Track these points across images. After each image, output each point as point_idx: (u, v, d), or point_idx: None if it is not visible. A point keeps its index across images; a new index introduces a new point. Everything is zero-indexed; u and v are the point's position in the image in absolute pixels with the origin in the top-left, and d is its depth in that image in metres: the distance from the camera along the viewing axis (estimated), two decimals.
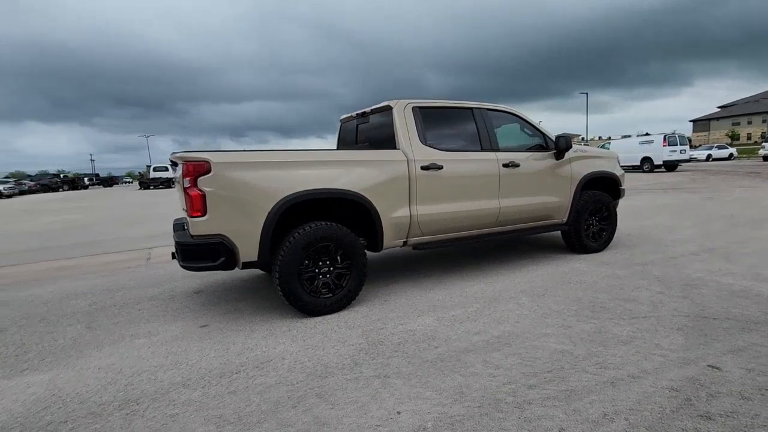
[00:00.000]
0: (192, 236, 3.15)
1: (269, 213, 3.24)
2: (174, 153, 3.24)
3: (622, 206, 8.74)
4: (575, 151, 5.01)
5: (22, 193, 35.94)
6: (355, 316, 3.51)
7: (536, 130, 4.81)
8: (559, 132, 5.13)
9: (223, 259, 3.18)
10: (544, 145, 4.80)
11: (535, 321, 3.21)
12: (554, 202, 4.80)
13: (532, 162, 4.63)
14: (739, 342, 2.69)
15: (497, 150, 4.42)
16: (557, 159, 4.80)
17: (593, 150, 5.38)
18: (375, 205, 3.67)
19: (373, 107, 4.33)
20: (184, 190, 3.15)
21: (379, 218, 3.71)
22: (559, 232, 5.24)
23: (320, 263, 3.53)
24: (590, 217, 5.16)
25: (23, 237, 9.45)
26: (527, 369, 2.50)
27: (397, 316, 3.45)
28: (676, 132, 22.70)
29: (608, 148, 16.91)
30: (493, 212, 4.37)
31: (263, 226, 3.24)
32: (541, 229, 4.87)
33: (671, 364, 2.47)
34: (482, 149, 4.34)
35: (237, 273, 5.04)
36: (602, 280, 4.13)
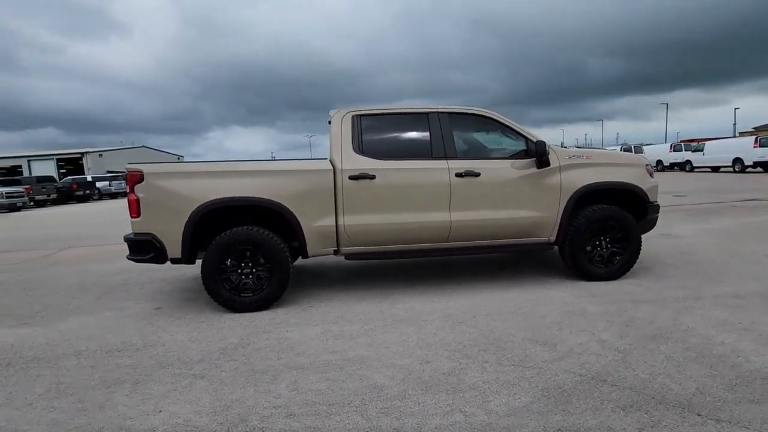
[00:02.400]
0: (133, 234, 3.81)
1: (189, 217, 3.69)
2: (127, 164, 3.94)
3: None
4: (570, 157, 4.18)
5: None
6: (263, 316, 3.73)
7: (518, 135, 4.19)
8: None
9: (153, 254, 3.76)
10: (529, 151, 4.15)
11: (403, 349, 2.95)
12: (533, 218, 4.12)
13: (500, 171, 4.07)
14: None
15: (452, 157, 4.03)
16: (539, 167, 4.09)
17: (603, 155, 4.39)
18: (294, 213, 3.80)
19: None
20: (127, 195, 3.82)
21: (300, 226, 3.82)
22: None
23: (242, 265, 3.84)
24: (596, 237, 4.25)
25: None
26: (319, 397, 2.39)
27: (295, 323, 3.55)
28: None
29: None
30: (442, 226, 4.01)
31: (184, 228, 3.70)
32: (518, 247, 4.26)
33: (460, 427, 2.06)
34: (432, 157, 4.02)
35: None
36: (558, 315, 3.45)
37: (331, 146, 3.96)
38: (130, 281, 5.22)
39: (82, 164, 45.12)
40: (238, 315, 3.80)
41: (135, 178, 3.70)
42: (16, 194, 20.80)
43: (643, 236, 5.87)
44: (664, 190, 14.17)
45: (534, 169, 4.09)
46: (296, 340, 3.21)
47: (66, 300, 4.55)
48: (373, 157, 3.95)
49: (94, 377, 2.76)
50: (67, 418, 2.30)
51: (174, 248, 3.75)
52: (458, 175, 3.97)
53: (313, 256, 4.03)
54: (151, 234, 3.74)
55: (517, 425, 2.05)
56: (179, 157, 58.45)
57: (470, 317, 3.50)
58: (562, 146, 4.69)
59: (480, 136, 4.32)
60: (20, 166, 46.00)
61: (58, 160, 45.78)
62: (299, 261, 5.31)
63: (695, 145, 25.45)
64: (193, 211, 3.69)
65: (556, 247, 4.35)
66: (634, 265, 4.59)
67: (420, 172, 3.97)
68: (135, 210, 3.72)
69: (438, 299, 3.99)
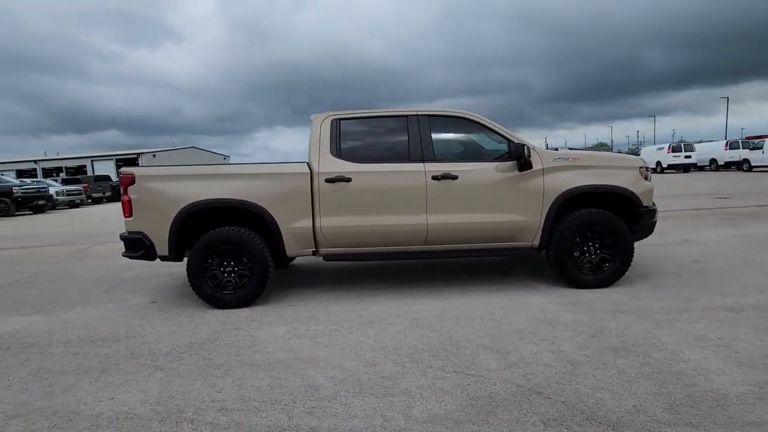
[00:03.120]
0: (126, 232, 4.09)
1: (174, 217, 3.91)
2: (121, 168, 4.23)
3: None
4: (556, 159, 4.03)
5: None
6: (241, 313, 3.89)
7: (501, 138, 4.09)
8: None
9: (143, 251, 4.02)
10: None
11: (356, 351, 2.99)
12: (514, 222, 4.02)
13: (479, 173, 3.99)
14: None
15: (430, 160, 4.00)
16: (520, 170, 3.98)
17: (592, 157, 4.19)
18: (272, 215, 3.93)
19: None
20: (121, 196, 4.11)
21: (278, 227, 3.95)
22: None
23: (225, 263, 4.02)
24: (584, 243, 4.07)
25: None
26: (256, 394, 2.48)
27: (268, 321, 3.68)
28: None
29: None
30: (419, 229, 4.00)
31: (170, 228, 3.93)
32: (499, 251, 4.17)
33: (374, 430, 2.08)
34: (410, 160, 4.02)
35: None
36: (527, 323, 3.35)
37: (310, 149, 4.06)
38: (140, 276, 5.59)
39: (138, 164, 48.37)
40: (219, 311, 3.99)
41: (128, 181, 3.98)
42: (74, 192, 22.66)
43: (658, 242, 5.60)
44: (706, 192, 13.21)
45: (516, 172, 3.98)
46: (261, 337, 3.34)
47: (79, 292, 4.96)
48: (351, 160, 4.01)
49: (72, 364, 3.01)
50: (33, 400, 2.53)
51: (162, 246, 3.99)
52: (435, 177, 3.95)
53: (292, 256, 4.15)
54: (142, 233, 4.00)
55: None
56: (225, 157, 61.10)
57: (437, 321, 3.48)
58: (550, 148, 4.53)
59: (461, 139, 4.27)
60: (85, 166, 50.03)
61: (117, 160, 49.22)
62: (297, 260, 5.48)
63: (754, 142, 23.40)
64: (178, 212, 3.91)
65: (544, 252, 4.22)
66: (633, 273, 4.38)
67: (395, 175, 3.98)
68: (128, 210, 4.00)
69: (415, 302, 3.99)
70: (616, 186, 3.99)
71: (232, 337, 3.36)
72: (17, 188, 19.12)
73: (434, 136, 4.09)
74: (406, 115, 4.12)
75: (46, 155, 56.16)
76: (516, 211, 4.01)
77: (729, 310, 3.42)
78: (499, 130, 4.10)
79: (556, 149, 5.22)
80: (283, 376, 2.69)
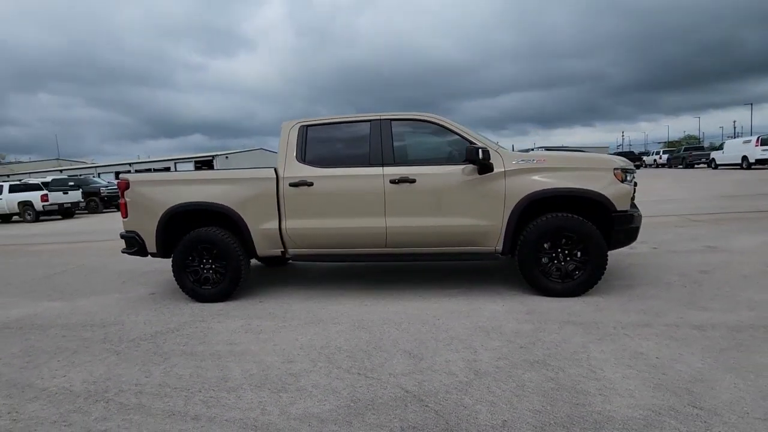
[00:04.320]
0: (124, 231, 4.61)
1: (160, 218, 4.34)
2: (118, 176, 4.74)
3: None
4: (519, 162, 3.87)
5: None
6: (215, 307, 4.22)
7: (464, 140, 4.01)
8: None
9: (136, 248, 4.51)
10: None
11: (285, 348, 3.15)
12: (474, 226, 3.92)
13: (437, 177, 3.95)
14: None
15: (389, 164, 4.04)
16: (480, 172, 3.88)
17: (561, 158, 3.94)
18: (242, 217, 4.21)
19: None
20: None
21: (247, 228, 4.23)
22: None
23: (204, 261, 4.39)
24: (553, 249, 3.87)
25: None
26: (174, 382, 2.74)
27: (233, 315, 3.97)
28: None
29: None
30: (378, 232, 4.06)
31: (157, 227, 4.37)
32: (461, 256, 4.10)
33: (246, 422, 2.23)
34: (370, 164, 4.08)
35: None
36: (464, 330, 3.29)
37: (278, 155, 4.29)
38: (157, 270, 6.20)
39: (213, 165, 52.53)
40: (199, 304, 4.36)
41: (123, 186, 4.49)
42: None
43: (679, 248, 5.25)
44: (757, 194, 11.52)
45: (476, 176, 3.89)
46: (215, 330, 3.62)
47: (102, 282, 5.65)
48: (314, 165, 4.17)
49: (55, 345, 3.50)
50: (7, 372, 3.01)
51: (151, 244, 4.45)
52: (393, 181, 3.98)
53: (263, 256, 4.41)
54: (135, 232, 4.49)
55: (290, 428, 2.16)
56: None
57: (379, 324, 3.53)
58: (521, 150, 4.34)
59: (423, 142, 4.25)
60: (169, 167, 55.44)
61: (195, 162, 53.82)
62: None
63: None
64: (163, 213, 4.33)
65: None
66: (620, 281, 4.12)
67: (355, 179, 4.07)
68: (124, 212, 4.51)
69: (374, 303, 4.06)
70: (583, 189, 3.74)
71: (191, 329, 3.68)
72: (104, 188, 21.79)
73: (397, 140, 4.12)
74: (370, 120, 4.19)
75: (139, 158, 63.07)
76: (476, 215, 3.91)
77: (696, 327, 3.08)
78: (461, 133, 4.02)
79: (531, 150, 4.97)
80: (208, 366, 2.93)
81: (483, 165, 3.83)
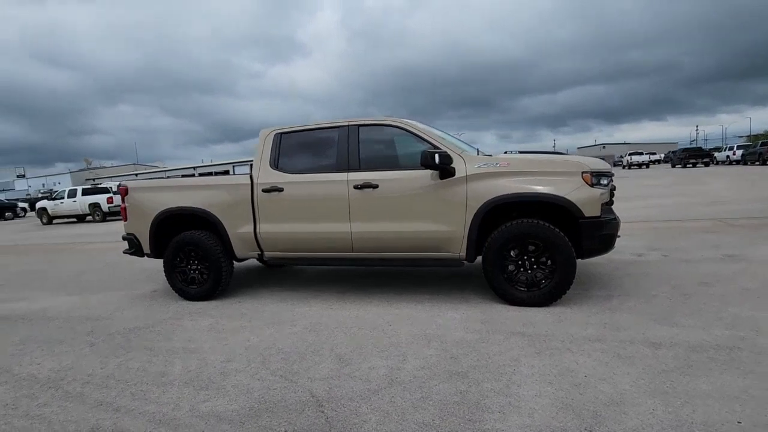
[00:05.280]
0: (125, 233, 5.02)
1: (152, 222, 4.69)
2: (119, 183, 5.16)
3: None
4: (481, 166, 3.74)
5: None
6: (198, 306, 4.48)
7: (429, 145, 3.95)
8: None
9: (134, 249, 4.90)
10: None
11: (233, 347, 3.30)
12: (436, 232, 3.85)
13: (399, 182, 3.92)
14: None
15: (354, 170, 4.07)
16: (442, 177, 3.80)
17: (526, 161, 3.74)
18: (222, 221, 4.44)
19: None
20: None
21: (226, 232, 4.45)
22: None
23: (190, 262, 4.68)
24: (521, 256, 3.71)
25: None
26: (121, 374, 2.98)
27: (209, 314, 4.19)
28: None
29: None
30: (344, 237, 4.10)
31: (149, 230, 4.73)
32: (426, 262, 4.03)
33: (130, 410, 2.39)
34: (337, 170, 4.14)
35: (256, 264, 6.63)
36: (408, 337, 3.26)
37: (254, 162, 4.47)
38: None
39: None
40: (186, 302, 4.65)
41: (124, 192, 4.90)
42: None
43: (692, 257, 4.93)
44: None
45: (438, 180, 3.82)
46: (185, 327, 3.86)
47: (119, 280, 6.18)
48: (285, 171, 4.31)
49: (48, 335, 3.91)
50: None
51: (146, 245, 4.82)
52: (356, 187, 4.01)
53: (243, 258, 4.62)
54: (133, 234, 4.88)
55: (188, 425, 2.28)
56: None
57: (331, 327, 3.58)
58: (486, 154, 4.20)
59: (388, 147, 4.21)
60: (228, 170, 58.99)
61: (251, 165, 56.75)
62: None
63: None
64: (154, 217, 4.68)
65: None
66: (606, 291, 3.91)
67: (320, 185, 4.15)
68: (125, 215, 4.92)
69: (339, 306, 4.12)
70: (546, 194, 3.54)
71: (165, 326, 3.95)
72: None
73: (363, 145, 4.14)
74: (339, 126, 4.25)
75: (203, 162, 67.58)
76: (438, 220, 3.84)
77: (652, 345, 2.83)
78: (425, 137, 3.97)
79: (506, 153, 4.75)
80: (157, 362, 3.15)
81: (442, 170, 3.75)
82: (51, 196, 21.74)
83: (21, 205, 30.84)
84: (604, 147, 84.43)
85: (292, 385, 2.63)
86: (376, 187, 3.97)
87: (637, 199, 11.76)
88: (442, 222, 3.84)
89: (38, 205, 21.20)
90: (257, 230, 4.38)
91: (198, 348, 3.36)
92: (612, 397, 2.26)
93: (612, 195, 4.01)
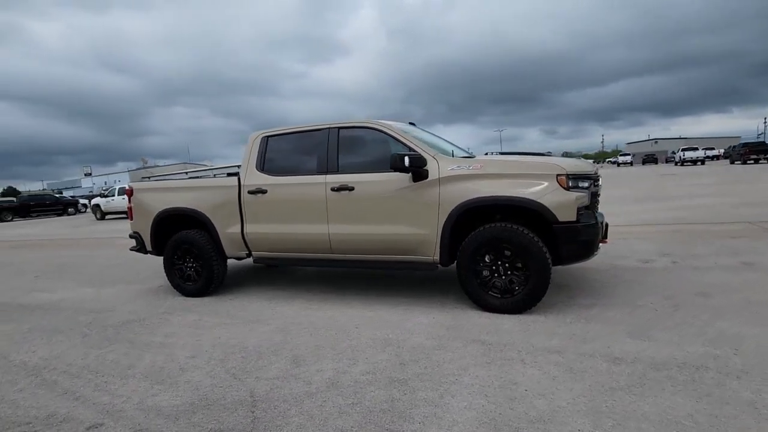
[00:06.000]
0: (132, 231, 5.34)
1: (153, 221, 4.97)
2: (128, 183, 5.48)
3: None
4: (454, 168, 3.65)
5: None
6: (190, 301, 4.70)
7: (404, 147, 3.91)
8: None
9: (138, 246, 5.20)
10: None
11: (202, 343, 3.43)
12: (410, 235, 3.80)
13: (374, 185, 3.91)
14: None
15: (333, 172, 4.10)
16: (415, 180, 3.75)
17: (499, 164, 3.60)
18: (212, 221, 4.63)
19: None
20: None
21: (216, 231, 4.63)
22: None
23: (186, 260, 4.91)
24: (495, 261, 3.60)
25: None
26: (96, 365, 3.19)
27: (197, 310, 4.39)
28: None
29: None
30: (323, 238, 4.15)
31: (150, 229, 5.00)
32: (401, 265, 4.00)
33: (86, 399, 2.54)
34: (317, 172, 4.19)
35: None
36: (367, 341, 3.25)
37: (242, 164, 4.62)
38: None
39: None
40: (182, 298, 4.89)
41: (129, 192, 5.21)
42: None
43: (707, 264, 4.68)
44: None
45: (410, 183, 3.78)
46: (171, 322, 4.06)
47: (136, 274, 6.57)
48: (270, 174, 4.41)
49: (53, 325, 4.24)
50: (3, 345, 3.76)
51: (148, 243, 5.11)
52: (333, 189, 4.04)
53: (231, 257, 4.78)
54: (137, 232, 5.19)
55: (130, 417, 2.41)
56: None
57: (301, 328, 3.64)
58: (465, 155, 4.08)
59: (366, 150, 4.19)
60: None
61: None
62: None
63: None
64: (153, 217, 4.95)
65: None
66: (588, 301, 3.72)
67: (300, 187, 4.22)
68: (131, 215, 5.24)
69: (317, 307, 4.17)
70: (517, 197, 3.40)
71: (155, 320, 4.17)
72: None
73: (342, 148, 4.16)
74: (321, 129, 4.30)
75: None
76: (412, 223, 3.80)
77: (612, 360, 2.67)
78: (401, 139, 3.93)
79: (486, 155, 4.58)
80: (132, 354, 3.33)
81: (414, 172, 3.71)
82: (104, 193, 23.43)
83: (82, 201, 33.42)
84: (656, 142, 79.21)
85: (239, 384, 2.71)
86: (352, 189, 3.98)
87: (670, 200, 11.00)
88: (415, 225, 3.79)
89: (92, 202, 22.91)
90: (244, 230, 4.53)
91: (173, 343, 3.53)
92: (542, 414, 2.16)
93: (596, 199, 3.80)
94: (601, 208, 4.14)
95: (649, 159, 55.62)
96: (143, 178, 5.94)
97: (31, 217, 28.97)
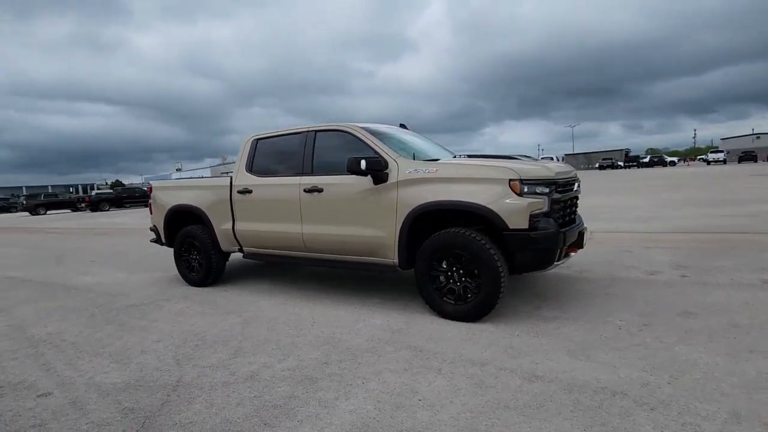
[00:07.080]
0: (152, 225, 5.93)
1: (165, 216, 5.48)
2: (149, 182, 6.05)
3: None
4: (411, 172, 3.61)
5: None
6: (191, 290, 5.12)
7: (371, 150, 3.94)
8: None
9: (156, 238, 5.77)
10: None
11: (175, 331, 3.76)
12: (370, 237, 3.84)
13: (340, 187, 3.99)
14: None
15: (308, 174, 4.25)
16: (375, 183, 3.77)
17: (453, 167, 3.48)
18: (209, 218, 5.01)
19: None
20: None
21: (212, 228, 5.01)
22: None
23: (191, 252, 5.37)
24: (451, 267, 3.53)
25: None
26: (83, 343, 3.65)
27: (190, 298, 4.79)
28: None
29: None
30: (297, 237, 4.32)
31: (164, 223, 5.53)
32: (365, 266, 4.04)
33: (55, 379, 2.92)
34: (294, 173, 4.37)
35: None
36: (312, 339, 3.38)
37: (235, 165, 4.93)
38: None
39: None
40: (185, 287, 5.35)
41: (150, 190, 5.79)
42: None
43: (712, 278, 4.64)
44: None
45: (371, 185, 3.81)
46: (162, 309, 4.48)
47: (165, 263, 7.23)
48: (255, 175, 4.68)
49: (76, 305, 4.86)
50: (28, 321, 4.40)
51: (163, 236, 5.65)
52: (306, 190, 4.20)
53: (227, 251, 5.13)
54: (155, 226, 5.75)
55: (73, 389, 2.75)
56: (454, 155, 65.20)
57: (262, 322, 3.84)
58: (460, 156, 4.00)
59: (338, 153, 4.24)
60: None
61: None
62: None
63: None
64: (165, 213, 5.46)
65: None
66: (558, 314, 3.57)
67: (278, 188, 4.42)
68: (150, 210, 5.82)
69: (293, 304, 4.35)
70: (466, 202, 3.29)
71: (152, 306, 4.63)
72: None
73: (317, 150, 4.29)
74: (303, 131, 4.47)
75: None
76: (372, 225, 3.83)
77: (530, 378, 2.53)
78: (368, 142, 3.96)
79: (455, 157, 4.38)
80: (114, 335, 3.76)
81: (373, 176, 3.74)
82: None
83: None
84: (758, 137, 69.44)
85: (176, 369, 2.97)
86: (321, 191, 4.11)
87: (736, 205, 9.69)
88: (375, 227, 3.83)
89: None
90: (235, 227, 4.85)
91: (152, 327, 3.91)
92: (416, 425, 2.13)
93: (571, 204, 3.56)
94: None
95: (747, 156, 49.04)
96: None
97: (125, 207, 32.72)
